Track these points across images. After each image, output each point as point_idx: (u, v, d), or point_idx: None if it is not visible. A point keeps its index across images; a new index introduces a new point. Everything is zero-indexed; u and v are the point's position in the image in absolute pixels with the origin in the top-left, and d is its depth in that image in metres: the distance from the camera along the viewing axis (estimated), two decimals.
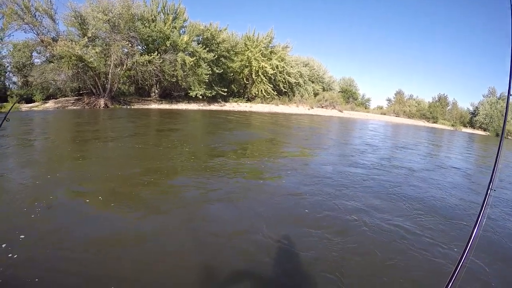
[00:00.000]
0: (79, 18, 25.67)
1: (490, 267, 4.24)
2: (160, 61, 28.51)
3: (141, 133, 14.54)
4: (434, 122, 47.43)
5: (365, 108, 55.38)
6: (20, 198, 5.57)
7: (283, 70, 38.86)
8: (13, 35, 25.40)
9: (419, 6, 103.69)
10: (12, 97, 23.56)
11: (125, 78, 30.51)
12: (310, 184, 7.45)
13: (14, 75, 27.88)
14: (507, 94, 2.18)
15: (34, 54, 26.96)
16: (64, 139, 12.49)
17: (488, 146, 25.74)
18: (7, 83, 27.10)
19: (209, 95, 32.78)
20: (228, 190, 6.73)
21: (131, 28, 27.70)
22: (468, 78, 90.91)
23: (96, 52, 25.19)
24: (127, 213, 5.30)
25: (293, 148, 13.01)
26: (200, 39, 32.85)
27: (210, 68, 31.39)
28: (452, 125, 46.12)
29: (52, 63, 25.27)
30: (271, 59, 37.74)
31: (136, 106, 28.83)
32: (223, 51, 33.69)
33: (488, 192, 1.93)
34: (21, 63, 26.24)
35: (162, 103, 31.46)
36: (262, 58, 36.94)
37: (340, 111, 43.88)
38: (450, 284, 1.58)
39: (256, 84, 37.91)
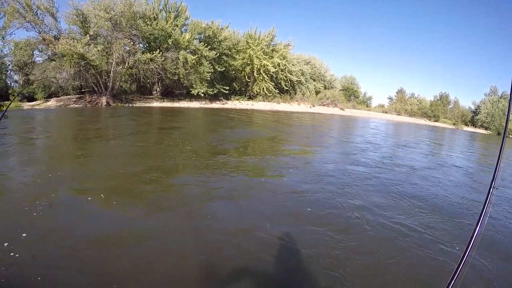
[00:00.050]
0: (80, 16, 25.48)
1: (492, 266, 4.25)
2: (162, 59, 28.40)
3: (143, 131, 14.57)
4: (436, 121, 47.38)
5: (367, 107, 55.15)
6: (21, 197, 5.57)
7: (285, 68, 38.86)
8: (14, 34, 25.33)
9: (420, 4, 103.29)
10: (13, 95, 23.42)
11: (126, 76, 30.54)
12: (312, 182, 7.45)
13: (15, 74, 27.80)
14: (509, 92, 2.17)
15: (36, 52, 26.87)
16: (66, 137, 12.46)
17: (490, 145, 25.77)
18: (8, 82, 26.98)
19: (211, 93, 32.76)
20: (230, 188, 6.73)
21: (132, 26, 27.49)
22: (470, 77, 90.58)
23: (98, 50, 25.01)
24: (129, 211, 5.31)
25: (295, 146, 13.01)
26: (202, 37, 32.72)
27: (212, 66, 31.28)
28: (454, 124, 46.05)
29: (54, 62, 25.21)
30: (272, 57, 37.71)
31: (138, 104, 28.79)
32: (224, 49, 33.57)
33: (491, 190, 1.92)
34: (22, 61, 26.10)
35: (164, 101, 31.45)
36: (264, 56, 36.84)
37: (341, 109, 43.84)
38: (452, 282, 1.56)
39: (258, 82, 37.85)
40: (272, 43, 38.63)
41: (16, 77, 28.10)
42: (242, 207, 5.78)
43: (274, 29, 38.25)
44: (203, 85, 31.49)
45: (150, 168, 7.86)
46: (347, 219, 5.44)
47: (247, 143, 12.82)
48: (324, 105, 42.94)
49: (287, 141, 14.81)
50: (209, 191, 6.51)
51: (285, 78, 39.47)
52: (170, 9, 30.99)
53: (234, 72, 36.55)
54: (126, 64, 27.73)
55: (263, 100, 38.26)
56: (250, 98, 38.84)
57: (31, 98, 25.84)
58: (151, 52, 28.03)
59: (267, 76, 37.58)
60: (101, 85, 27.15)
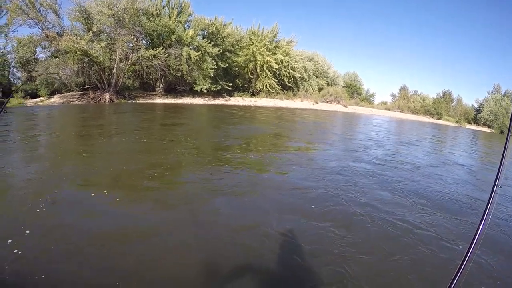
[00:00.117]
0: (83, 13, 25.51)
1: (496, 264, 4.26)
2: (165, 55, 28.38)
3: (146, 128, 14.71)
4: (439, 118, 47.20)
5: (370, 104, 54.96)
6: (25, 193, 5.58)
7: (288, 65, 38.72)
8: (17, 31, 25.22)
9: (423, 0, 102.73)
10: (17, 92, 23.46)
11: (130, 72, 30.54)
12: (316, 179, 7.47)
13: (18, 71, 27.71)
14: None
15: (39, 49, 26.86)
16: (69, 134, 12.51)
17: (493, 143, 25.67)
18: (11, 79, 27.04)
19: (214, 89, 32.70)
20: (233, 184, 6.76)
21: (136, 23, 27.52)
22: (473, 75, 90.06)
23: (101, 46, 25.02)
24: (132, 207, 5.32)
25: (298, 143, 13.05)
26: (205, 33, 32.71)
27: (215, 63, 31.28)
28: (457, 122, 45.88)
29: (57, 58, 25.25)
30: (275, 53, 37.55)
31: (141, 100, 28.79)
32: (228, 46, 33.56)
33: (494, 188, 1.92)
34: (25, 58, 25.90)
35: (167, 97, 31.47)
36: (267, 52, 36.68)
37: (344, 106, 43.72)
38: (456, 279, 1.57)
39: (261, 78, 37.70)
40: (275, 39, 38.48)
41: (19, 74, 28.05)
42: (246, 204, 5.80)
43: (277, 25, 38.16)
44: (206, 82, 31.45)
45: (153, 164, 7.85)
46: (351, 215, 5.44)
47: (250, 139, 12.80)
48: (327, 102, 42.80)
49: (290, 137, 14.81)
50: (212, 188, 6.52)
51: (288, 75, 39.32)
52: (173, 6, 31.00)
53: (237, 68, 36.51)
54: (130, 61, 27.72)
55: (266, 97, 38.17)
56: (253, 94, 38.81)
57: (34, 95, 25.79)
58: (155, 49, 28.05)
59: (270, 73, 37.44)
60: (105, 82, 27.16)
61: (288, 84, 40.28)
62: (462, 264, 1.61)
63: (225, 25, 33.84)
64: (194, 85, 31.59)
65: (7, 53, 26.07)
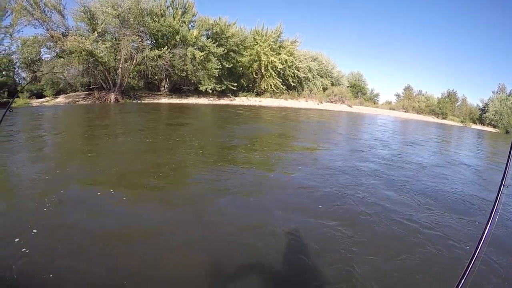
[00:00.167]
0: (88, 13, 25.53)
1: (504, 263, 4.25)
2: (170, 55, 28.37)
3: (151, 127, 14.73)
4: (444, 118, 46.97)
5: (374, 103, 54.70)
6: (31, 193, 5.63)
7: (292, 65, 38.65)
8: (22, 31, 25.38)
9: (427, 0, 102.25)
10: (22, 92, 23.51)
11: (135, 72, 30.59)
12: (321, 179, 7.48)
13: (23, 71, 27.84)
14: None
15: (44, 49, 27.01)
16: (74, 133, 12.59)
17: (498, 143, 25.57)
18: (16, 79, 26.95)
19: (219, 89, 32.71)
20: (238, 184, 6.77)
21: (140, 23, 27.56)
22: (477, 74, 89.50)
23: (106, 47, 25.11)
24: (138, 207, 5.35)
25: (303, 143, 13.05)
26: (210, 33, 32.67)
27: (219, 63, 31.26)
28: (462, 122, 45.60)
29: (62, 58, 25.28)
30: (280, 53, 37.49)
31: (147, 100, 28.87)
32: (232, 46, 33.50)
33: (501, 189, 1.90)
34: (29, 58, 26.17)
35: (172, 97, 31.52)
36: (271, 52, 36.65)
37: (349, 106, 43.61)
38: (464, 279, 1.57)
39: (266, 78, 37.69)
40: (279, 39, 38.41)
41: (23, 74, 28.15)
42: (251, 203, 5.81)
43: (281, 25, 38.10)
44: (211, 82, 31.47)
45: (158, 164, 7.90)
46: (357, 215, 5.44)
47: (255, 139, 12.79)
48: (331, 101, 42.71)
49: (295, 137, 14.84)
50: (217, 187, 6.53)
51: (292, 75, 39.27)
52: (177, 6, 30.96)
53: (241, 68, 36.41)
54: (134, 61, 27.77)
55: (271, 97, 38.11)
56: (258, 94, 38.74)
57: (39, 95, 25.83)
58: (159, 49, 28.03)
59: (275, 73, 37.42)
60: (110, 82, 27.19)
61: (293, 84, 40.26)
62: (470, 264, 1.59)
63: (229, 25, 33.75)
64: (199, 85, 31.56)
65: (12, 54, 26.15)
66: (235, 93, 36.06)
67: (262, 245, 4.25)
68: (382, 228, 4.98)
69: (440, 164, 11.07)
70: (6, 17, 24.87)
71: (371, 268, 3.83)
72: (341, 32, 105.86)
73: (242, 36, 35.30)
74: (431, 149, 15.17)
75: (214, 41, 31.31)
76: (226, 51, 32.13)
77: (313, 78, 43.08)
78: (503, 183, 1.91)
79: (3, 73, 24.98)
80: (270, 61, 36.44)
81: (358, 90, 53.67)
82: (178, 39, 29.52)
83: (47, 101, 24.92)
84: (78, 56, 24.43)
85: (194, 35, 29.97)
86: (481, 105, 51.34)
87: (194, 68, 29.92)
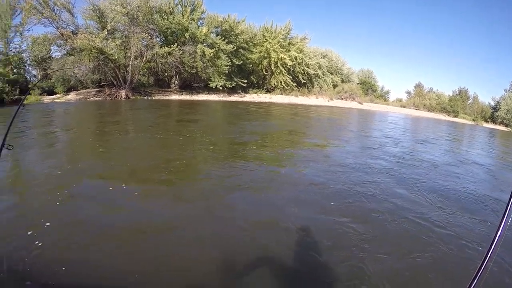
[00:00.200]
0: (97, 12, 25.66)
1: None
2: (180, 52, 28.41)
3: (162, 124, 14.91)
4: (455, 116, 46.19)
5: (385, 101, 54.04)
6: (43, 187, 5.70)
7: (302, 62, 38.38)
8: (32, 30, 25.72)
9: None
10: (33, 89, 23.92)
11: (145, 69, 30.78)
12: (333, 176, 7.48)
13: (33, 69, 28.12)
14: None
15: (54, 47, 27.16)
16: (86, 130, 12.77)
17: (510, 142, 25.07)
18: (27, 76, 27.34)
19: (229, 86, 32.77)
20: (249, 180, 6.81)
21: (149, 21, 27.61)
22: (489, 72, 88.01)
23: (116, 44, 25.29)
24: (149, 202, 5.39)
25: (314, 139, 13.06)
26: (219, 30, 32.59)
27: (229, 60, 31.19)
28: (473, 120, 44.75)
29: (73, 56, 25.49)
30: (289, 50, 37.27)
31: (157, 97, 28.96)
32: (241, 43, 33.40)
33: None
34: (40, 56, 26.36)
35: (182, 94, 31.62)
36: (281, 49, 36.45)
37: (359, 103, 43.21)
38: (476, 279, 1.48)
39: (276, 75, 37.48)
40: (288, 36, 38.12)
41: (34, 72, 28.39)
42: (262, 199, 5.81)
43: (290, 22, 37.75)
44: (221, 78, 31.50)
45: (169, 159, 7.98)
46: (369, 212, 5.44)
47: (266, 135, 12.78)
48: (342, 98, 42.37)
49: (306, 134, 14.80)
50: (228, 183, 6.59)
51: (302, 72, 38.98)
52: (186, 3, 30.92)
53: (251, 65, 36.29)
54: (144, 58, 27.88)
55: (281, 93, 37.88)
56: (268, 91, 38.52)
57: (51, 92, 26.29)
58: (169, 46, 28.04)
59: (285, 69, 37.21)
60: (120, 79, 27.34)
61: (303, 81, 39.97)
62: (483, 264, 1.49)
63: (238, 22, 33.61)
64: (209, 82, 31.64)
65: (23, 52, 26.56)
66: (245, 90, 36.03)
67: (274, 241, 4.26)
68: (394, 226, 4.97)
69: (451, 163, 10.91)
70: (16, 16, 25.49)
71: (382, 266, 3.82)
72: (350, 29, 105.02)
73: (251, 33, 35.12)
74: (443, 147, 14.92)
75: (223, 38, 31.28)
76: (235, 48, 32.04)
77: (323, 75, 42.71)
78: None
79: (14, 70, 25.37)
80: (279, 58, 36.23)
81: (368, 87, 53.08)
82: (187, 37, 29.54)
83: (58, 98, 25.21)
84: (89, 54, 24.58)
85: (204, 32, 29.95)
86: (492, 103, 50.45)
87: (204, 65, 29.93)
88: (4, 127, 12.16)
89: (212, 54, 29.57)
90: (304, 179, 7.11)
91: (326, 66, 43.42)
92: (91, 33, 25.11)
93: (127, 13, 25.64)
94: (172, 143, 10.06)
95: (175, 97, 30.25)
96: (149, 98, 28.08)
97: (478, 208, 6.39)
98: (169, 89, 32.55)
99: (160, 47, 28.06)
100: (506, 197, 1.69)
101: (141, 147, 9.44)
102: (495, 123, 46.02)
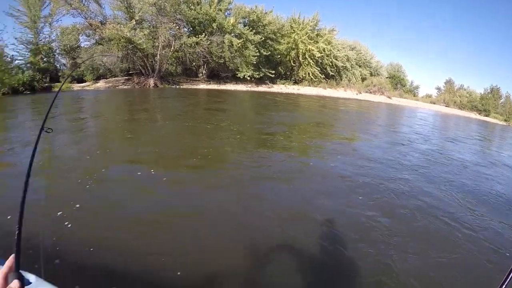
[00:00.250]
0: (125, 2, 25.82)
1: None
2: (208, 42, 28.39)
3: (190, 112, 15.17)
4: (486, 115, 44.20)
5: (414, 96, 52.74)
6: (74, 171, 5.93)
7: (330, 54, 37.51)
8: (61, 20, 26.54)
9: None
10: (63, 77, 24.69)
11: (173, 59, 30.91)
12: (361, 169, 7.44)
13: (63, 58, 29.00)
14: None
15: (83, 37, 27.99)
16: (115, 116, 13.15)
17: None
18: (57, 65, 28.21)
19: (257, 76, 32.55)
20: (278, 170, 6.85)
21: (177, 11, 27.73)
22: None
23: (144, 34, 25.46)
24: (177, 188, 5.54)
25: (342, 132, 13.06)
26: (246, 21, 32.34)
27: (257, 50, 30.96)
28: (505, 120, 42.73)
29: (101, 45, 25.90)
30: (317, 42, 36.51)
31: (185, 86, 29.15)
32: (269, 34, 32.98)
33: None
34: (69, 46, 27.26)
35: (210, 83, 31.68)
36: (309, 40, 35.78)
37: (388, 97, 42.08)
38: (504, 284, 1.22)
39: (303, 66, 36.88)
40: (316, 28, 37.44)
41: (63, 61, 29.30)
42: (291, 190, 5.82)
43: (318, 14, 37.08)
44: (249, 69, 31.41)
45: (197, 147, 8.14)
46: (397, 208, 5.38)
47: (293, 126, 12.79)
48: (370, 92, 41.37)
49: (334, 126, 14.83)
50: (257, 173, 6.69)
51: (330, 64, 38.16)
52: None
53: (279, 56, 35.79)
54: (172, 48, 27.99)
55: (309, 85, 37.23)
56: (296, 82, 37.96)
57: (80, 80, 26.96)
58: (197, 36, 28.08)
59: (313, 61, 36.50)
60: (148, 68, 27.60)
61: (331, 73, 39.10)
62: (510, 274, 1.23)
63: (266, 13, 33.28)
64: (237, 72, 31.62)
65: (52, 41, 27.27)
66: (273, 81, 35.71)
67: (301, 232, 4.27)
68: (422, 224, 4.88)
69: (481, 163, 10.46)
70: (45, 7, 26.00)
71: (409, 264, 3.78)
72: (379, 22, 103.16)
73: (278, 24, 34.67)
74: (473, 147, 14.34)
75: (251, 28, 30.98)
76: (263, 38, 31.76)
77: (352, 67, 41.81)
78: None
79: (44, 59, 26.00)
80: (307, 49, 35.59)
81: (397, 82, 51.81)
82: (215, 27, 29.48)
83: (87, 85, 25.78)
84: (117, 43, 24.94)
85: (231, 22, 29.82)
86: None
87: (232, 55, 29.88)
88: (35, 112, 13.98)
89: (239, 44, 29.45)
90: (332, 171, 7.12)
91: (355, 59, 42.48)
92: (119, 23, 25.37)
93: (154, 3, 25.79)
94: (200, 131, 10.19)
95: (202, 86, 30.34)
96: (177, 87, 28.32)
97: (508, 212, 6.13)
98: (197, 78, 32.65)
99: (188, 37, 28.13)
100: None
101: (169, 135, 9.71)
102: None
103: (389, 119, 22.07)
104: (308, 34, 35.98)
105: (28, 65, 24.57)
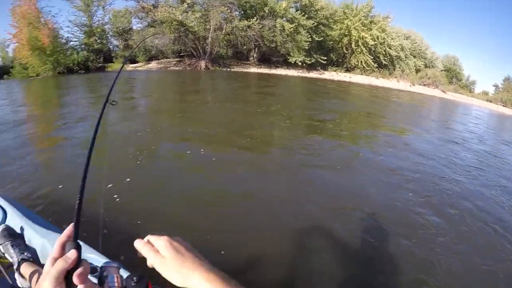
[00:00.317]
0: None
1: None
2: (259, 26, 28.17)
3: (240, 95, 15.44)
4: None
5: (469, 92, 49.91)
6: (125, 147, 6.17)
7: (384, 42, 35.84)
8: (114, 3, 28.93)
9: None
10: (117, 58, 26.22)
11: (224, 42, 30.94)
12: (412, 165, 7.15)
13: (115, 39, 30.35)
14: None
15: (136, 20, 29.02)
16: (166, 96, 13.73)
17: None
18: (110, 46, 29.55)
19: (308, 62, 31.81)
20: (326, 159, 6.79)
21: None
22: None
23: (196, 17, 25.72)
24: (226, 170, 5.51)
25: (394, 124, 12.50)
26: (298, 6, 31.71)
27: (309, 35, 30.28)
28: None
29: (153, 28, 26.43)
30: (371, 29, 34.98)
31: (236, 69, 29.26)
32: (321, 19, 32.09)
33: None
34: (121, 28, 28.45)
35: (261, 67, 31.58)
36: (362, 27, 34.33)
37: (443, 91, 39.82)
38: None
39: (356, 54, 35.60)
40: (370, 14, 35.84)
41: (116, 42, 30.68)
42: (340, 180, 5.75)
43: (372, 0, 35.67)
44: (300, 54, 30.83)
45: (246, 130, 8.25)
46: (448, 208, 5.07)
47: (344, 115, 12.60)
48: (424, 85, 39.31)
49: (386, 118, 14.39)
50: (305, 159, 6.60)
51: (384, 52, 36.53)
52: None
53: (331, 42, 34.84)
54: (224, 31, 28.02)
55: (361, 74, 35.93)
56: (348, 70, 36.76)
57: (133, 61, 27.90)
58: (248, 20, 27.98)
59: (366, 49, 35.09)
60: (200, 50, 27.86)
61: (384, 62, 37.37)
62: None
63: None
64: (288, 57, 31.23)
65: (105, 24, 28.56)
66: (324, 67, 34.81)
67: (347, 223, 4.16)
68: (470, 228, 4.54)
69: None
70: None
71: (453, 267, 3.56)
72: (436, 11, 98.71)
73: (331, 10, 33.74)
74: None
75: (303, 13, 30.36)
76: (315, 24, 31.01)
77: (406, 57, 39.81)
78: None
79: (98, 41, 27.18)
80: (360, 36, 34.23)
81: (453, 75, 49.13)
82: (266, 11, 29.14)
83: (140, 66, 26.70)
84: (169, 26, 25.22)
85: (283, 6, 29.46)
86: None
87: (284, 39, 29.49)
88: (88, 90, 15.58)
89: (291, 29, 28.99)
90: (382, 164, 6.89)
91: (409, 49, 40.49)
92: (171, 6, 25.70)
93: None
94: (250, 114, 10.33)
95: (253, 69, 30.30)
96: (228, 69, 28.49)
97: None
98: (248, 62, 32.67)
99: (240, 21, 28.10)
100: None
101: (219, 116, 9.81)
102: None
103: (442, 115, 20.84)
104: (361, 21, 34.47)
105: (83, 46, 26.07)
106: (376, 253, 3.66)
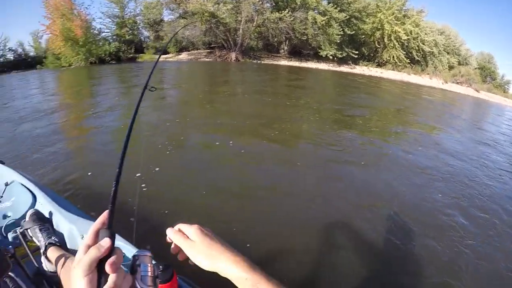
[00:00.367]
0: None
1: None
2: (291, 19, 27.90)
3: (270, 87, 15.50)
4: None
5: (503, 92, 48.15)
6: (155, 136, 6.32)
7: (417, 37, 34.76)
8: None
9: None
10: (147, 49, 26.61)
11: (255, 34, 30.88)
12: (442, 165, 7.01)
13: (146, 30, 30.89)
14: None
15: (166, 11, 29.55)
16: (195, 87, 13.75)
17: None
18: (141, 37, 30.19)
19: (339, 56, 31.30)
20: (357, 154, 6.77)
21: None
22: None
23: (228, 9, 25.79)
24: (254, 162, 5.61)
25: (424, 122, 12.34)
26: None
27: (341, 29, 29.78)
28: None
29: (185, 19, 26.77)
30: (404, 23, 33.98)
31: (266, 61, 29.21)
32: (354, 12, 31.44)
33: None
34: (152, 19, 28.84)
35: (291, 60, 31.34)
36: (395, 21, 33.38)
37: (476, 90, 38.40)
38: None
39: (388, 49, 34.70)
40: (403, 8, 34.83)
41: (147, 33, 31.29)
42: (368, 177, 5.72)
43: None
44: (331, 47, 30.39)
45: (276, 122, 8.21)
46: (477, 213, 4.94)
47: (374, 111, 12.49)
48: (457, 83, 38.04)
49: (417, 115, 14.03)
50: (335, 154, 6.63)
51: (417, 48, 35.43)
52: None
53: (363, 36, 34.20)
54: (255, 23, 27.95)
55: (393, 69, 35.01)
56: (379, 65, 35.93)
57: (164, 51, 28.13)
58: (280, 12, 27.72)
59: (398, 44, 34.18)
60: (230, 41, 27.92)
61: (416, 58, 36.30)
62: None
63: None
64: (319, 50, 30.82)
65: (137, 15, 29.20)
66: (355, 62, 34.21)
67: (374, 222, 4.14)
68: (499, 234, 4.40)
69: None
70: None
71: (480, 272, 3.50)
72: (473, 4, 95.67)
73: (364, 3, 32.90)
74: None
75: (335, 6, 29.85)
76: (347, 17, 30.43)
77: (439, 54, 38.47)
78: None
79: (129, 32, 27.64)
80: (393, 30, 33.35)
81: (487, 74, 47.47)
82: (298, 3, 28.79)
83: (170, 57, 27.15)
84: (201, 17, 25.44)
85: None
86: None
87: (315, 32, 29.15)
88: (119, 80, 15.86)
89: (323, 22, 28.54)
90: (411, 163, 6.80)
91: (443, 44, 39.13)
92: None
93: None
94: (279, 107, 10.33)
95: (283, 62, 30.13)
96: (258, 62, 28.51)
97: None
98: (278, 54, 32.55)
99: (271, 13, 27.87)
100: None
101: (248, 108, 9.84)
102: None
103: (475, 115, 20.19)
104: (394, 15, 33.51)
105: (114, 37, 26.72)
106: (402, 253, 3.66)
